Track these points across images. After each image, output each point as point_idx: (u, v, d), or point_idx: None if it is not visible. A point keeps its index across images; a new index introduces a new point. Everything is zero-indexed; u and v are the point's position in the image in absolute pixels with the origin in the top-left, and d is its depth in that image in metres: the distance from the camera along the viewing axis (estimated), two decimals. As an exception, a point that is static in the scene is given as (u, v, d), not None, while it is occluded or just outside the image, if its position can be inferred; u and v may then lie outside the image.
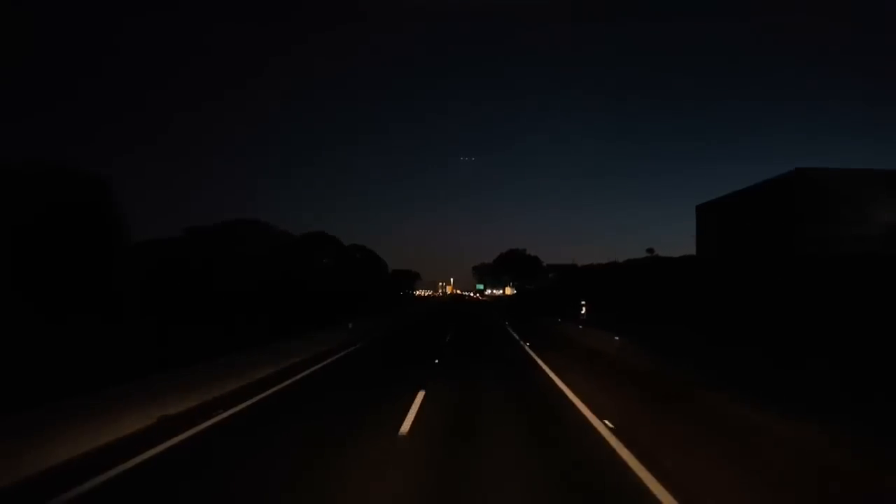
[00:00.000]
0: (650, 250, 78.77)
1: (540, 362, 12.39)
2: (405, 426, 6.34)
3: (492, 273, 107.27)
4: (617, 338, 14.26)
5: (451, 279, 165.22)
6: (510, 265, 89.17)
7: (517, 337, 20.01)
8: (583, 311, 27.61)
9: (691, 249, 30.00)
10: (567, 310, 29.65)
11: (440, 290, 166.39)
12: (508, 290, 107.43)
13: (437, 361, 12.59)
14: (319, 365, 12.18)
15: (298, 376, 10.49)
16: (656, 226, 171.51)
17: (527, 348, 15.80)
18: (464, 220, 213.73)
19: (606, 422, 6.53)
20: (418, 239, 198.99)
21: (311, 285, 27.74)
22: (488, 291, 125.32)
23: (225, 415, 7.04)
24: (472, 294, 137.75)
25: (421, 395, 8.18)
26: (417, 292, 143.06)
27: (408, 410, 7.12)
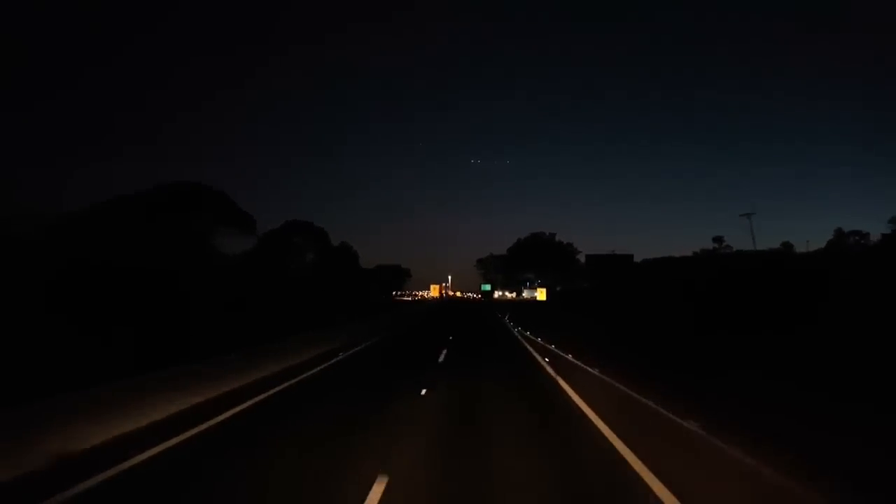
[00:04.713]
0: (718, 239, 60.46)
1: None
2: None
3: (505, 267, 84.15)
4: None
5: (449, 277, 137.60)
6: (532, 256, 68.67)
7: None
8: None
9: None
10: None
11: (447, 292, 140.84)
12: (541, 295, 76.33)
13: None
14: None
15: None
16: (711, 220, 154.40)
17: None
18: (467, 215, 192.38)
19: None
20: (418, 236, 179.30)
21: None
22: (497, 294, 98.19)
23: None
24: (475, 296, 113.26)
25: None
26: (419, 294, 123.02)
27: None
